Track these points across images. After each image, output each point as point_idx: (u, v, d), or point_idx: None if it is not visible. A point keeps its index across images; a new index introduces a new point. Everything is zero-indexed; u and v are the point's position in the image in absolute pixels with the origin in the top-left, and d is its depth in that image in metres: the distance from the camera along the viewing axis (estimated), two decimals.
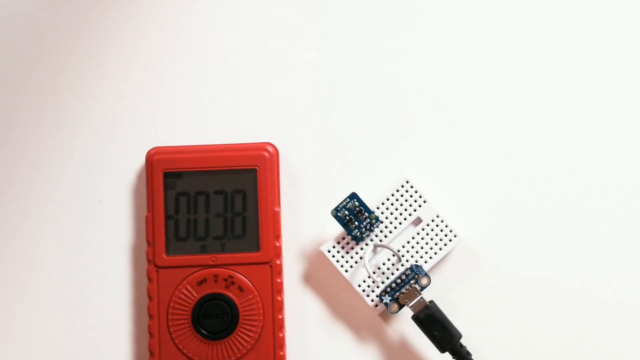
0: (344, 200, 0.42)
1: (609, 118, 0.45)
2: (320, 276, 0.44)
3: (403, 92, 0.45)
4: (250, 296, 0.42)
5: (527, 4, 0.45)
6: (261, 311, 0.42)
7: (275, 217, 0.43)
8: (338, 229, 0.43)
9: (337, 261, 0.43)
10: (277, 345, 0.42)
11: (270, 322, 0.42)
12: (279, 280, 0.43)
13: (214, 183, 0.43)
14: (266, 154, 0.43)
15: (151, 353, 0.42)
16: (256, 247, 0.43)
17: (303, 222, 0.44)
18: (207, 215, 0.43)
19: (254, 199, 0.43)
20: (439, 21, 0.45)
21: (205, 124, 0.45)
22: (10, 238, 0.44)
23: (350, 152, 0.45)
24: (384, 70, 0.45)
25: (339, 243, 0.43)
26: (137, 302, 0.44)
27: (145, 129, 0.45)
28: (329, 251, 0.43)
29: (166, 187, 0.43)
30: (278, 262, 0.43)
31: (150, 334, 0.42)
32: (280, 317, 0.43)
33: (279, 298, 0.43)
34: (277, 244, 0.43)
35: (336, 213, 0.42)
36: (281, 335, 0.43)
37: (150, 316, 0.42)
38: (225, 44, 0.45)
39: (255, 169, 0.43)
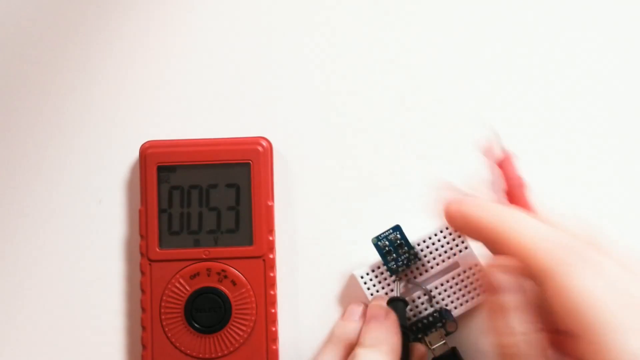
0: (387, 231, 0.42)
1: (613, 126, 0.44)
2: (315, 272, 0.44)
3: (403, 89, 0.45)
4: (243, 290, 0.42)
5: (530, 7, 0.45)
6: (254, 305, 0.42)
7: (269, 211, 0.43)
8: (374, 256, 0.42)
9: (368, 288, 0.43)
10: (269, 340, 0.42)
11: (263, 316, 0.42)
12: (271, 275, 0.43)
13: (208, 177, 0.43)
14: (260, 148, 0.43)
15: (144, 346, 0.42)
16: (249, 241, 0.43)
17: (297, 217, 0.44)
18: (200, 209, 0.43)
19: (247, 193, 0.43)
20: (439, 18, 0.45)
21: (200, 118, 0.45)
22: (5, 235, 0.45)
23: (347, 147, 0.44)
24: (381, 64, 0.45)
25: (373, 271, 0.43)
26: (131, 296, 0.44)
27: (140, 123, 0.45)
28: (362, 277, 0.43)
29: (160, 181, 0.43)
30: (271, 256, 0.43)
31: (143, 327, 0.42)
32: (273, 311, 0.43)
33: (271, 292, 0.43)
34: (270, 238, 0.43)
35: (377, 242, 0.42)
36: (274, 329, 0.42)
37: (143, 309, 0.42)
38: (220, 39, 0.45)
39: (249, 163, 0.43)
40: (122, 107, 0.45)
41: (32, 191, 0.45)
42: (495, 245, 0.35)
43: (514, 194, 0.38)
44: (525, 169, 0.43)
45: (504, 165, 0.39)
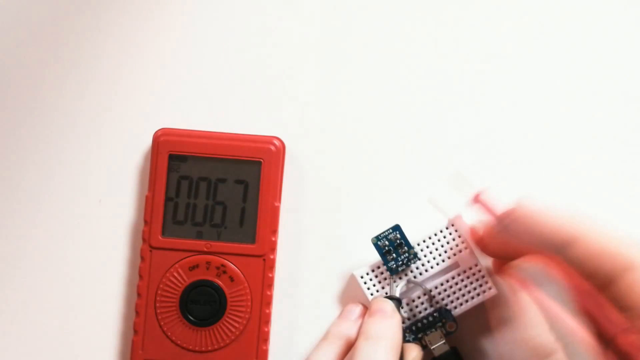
0: (387, 231, 0.42)
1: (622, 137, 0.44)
2: (315, 272, 0.44)
3: (409, 92, 0.45)
4: (240, 287, 0.42)
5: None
6: (249, 303, 0.42)
7: (274, 212, 0.43)
8: (374, 256, 0.43)
9: (368, 288, 0.43)
10: (261, 339, 0.42)
11: (257, 315, 0.42)
12: (270, 275, 0.43)
13: (218, 170, 0.43)
14: (272, 148, 0.43)
15: (135, 331, 0.42)
16: (252, 239, 0.43)
17: (302, 218, 0.44)
18: (207, 201, 0.43)
19: (255, 191, 0.43)
20: (446, 22, 0.45)
21: (217, 112, 0.45)
22: (14, 211, 0.45)
23: (354, 149, 0.45)
24: (399, 67, 0.45)
25: (373, 271, 0.43)
26: (131, 282, 0.44)
27: (155, 111, 0.45)
28: (361, 277, 0.43)
29: (170, 169, 0.43)
30: (272, 256, 0.43)
31: (137, 313, 0.42)
32: (267, 311, 0.42)
33: (268, 292, 0.43)
34: (273, 239, 0.43)
35: (376, 241, 0.42)
36: (266, 330, 0.42)
37: (139, 295, 0.43)
38: (245, 37, 0.45)
39: (260, 162, 0.43)
40: (140, 95, 0.45)
41: (47, 173, 0.45)
42: (562, 247, 0.35)
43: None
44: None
45: (479, 201, 0.39)
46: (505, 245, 0.38)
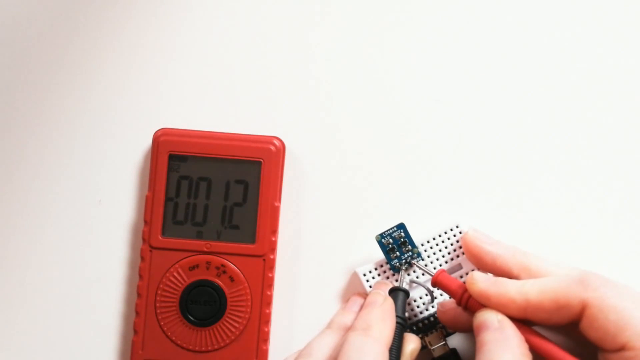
0: (391, 229, 0.42)
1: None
2: (317, 269, 0.44)
3: (415, 92, 0.45)
4: (240, 287, 0.42)
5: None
6: (249, 303, 0.42)
7: (274, 212, 0.43)
8: (374, 257, 0.43)
9: (370, 286, 0.43)
10: (261, 339, 0.42)
11: (257, 315, 0.42)
12: (270, 275, 0.43)
13: (218, 171, 0.43)
14: (272, 148, 0.43)
15: (135, 331, 0.42)
16: (252, 239, 0.43)
17: (302, 218, 0.44)
18: (207, 201, 0.43)
19: (255, 191, 0.43)
20: (449, 25, 0.45)
21: (218, 112, 0.45)
22: (14, 211, 0.45)
23: (357, 149, 0.45)
24: (399, 67, 0.45)
25: (376, 269, 0.43)
26: (131, 282, 0.44)
27: (156, 111, 0.45)
28: (364, 274, 0.43)
29: (170, 169, 0.43)
30: (272, 256, 0.43)
31: (137, 313, 0.42)
32: (267, 311, 0.43)
33: (268, 292, 0.43)
34: (273, 239, 0.43)
35: (380, 239, 0.42)
36: (266, 329, 0.42)
37: (139, 295, 0.43)
38: (245, 38, 0.45)
39: (260, 162, 0.43)
40: (140, 95, 0.45)
41: (47, 173, 0.45)
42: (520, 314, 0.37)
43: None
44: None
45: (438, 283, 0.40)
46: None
